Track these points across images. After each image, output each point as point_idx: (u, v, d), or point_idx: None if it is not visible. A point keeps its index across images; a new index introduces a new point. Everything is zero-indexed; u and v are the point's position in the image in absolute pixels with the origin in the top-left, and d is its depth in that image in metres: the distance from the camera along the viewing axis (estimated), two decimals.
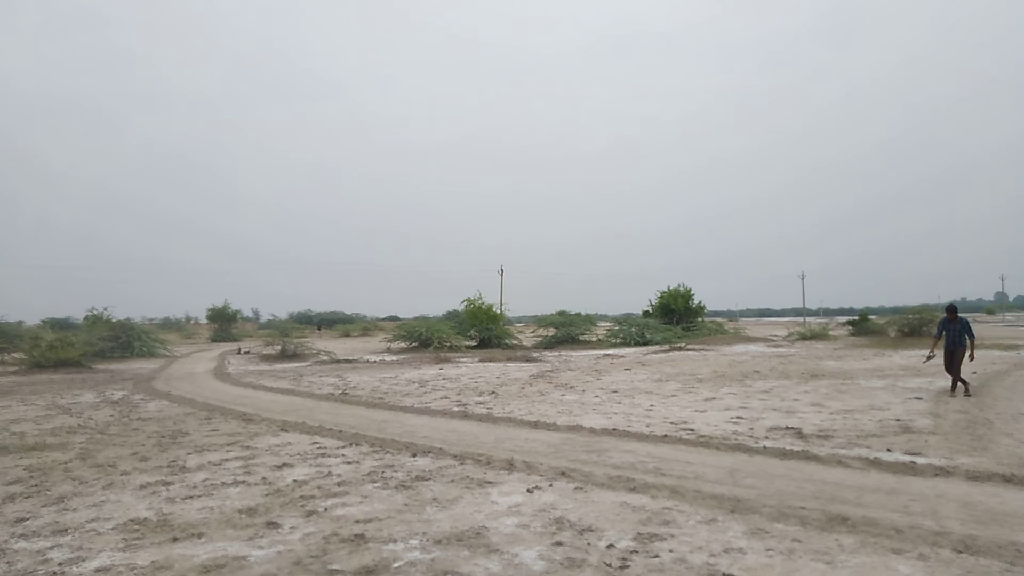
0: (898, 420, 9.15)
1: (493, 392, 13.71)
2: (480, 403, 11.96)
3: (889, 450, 7.25)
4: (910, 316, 30.20)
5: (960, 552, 4.15)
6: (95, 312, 37.49)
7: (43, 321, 47.97)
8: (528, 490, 5.83)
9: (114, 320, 34.88)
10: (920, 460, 6.72)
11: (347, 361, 24.61)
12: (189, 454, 7.78)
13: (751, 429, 8.74)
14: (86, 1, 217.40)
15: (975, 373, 15.04)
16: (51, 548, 4.57)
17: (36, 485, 6.41)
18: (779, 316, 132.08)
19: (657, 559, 4.13)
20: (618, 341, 33.18)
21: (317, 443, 8.33)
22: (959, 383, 11.48)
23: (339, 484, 6.19)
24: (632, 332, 33.67)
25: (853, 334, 34.43)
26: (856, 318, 37.20)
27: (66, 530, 4.97)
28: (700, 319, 40.50)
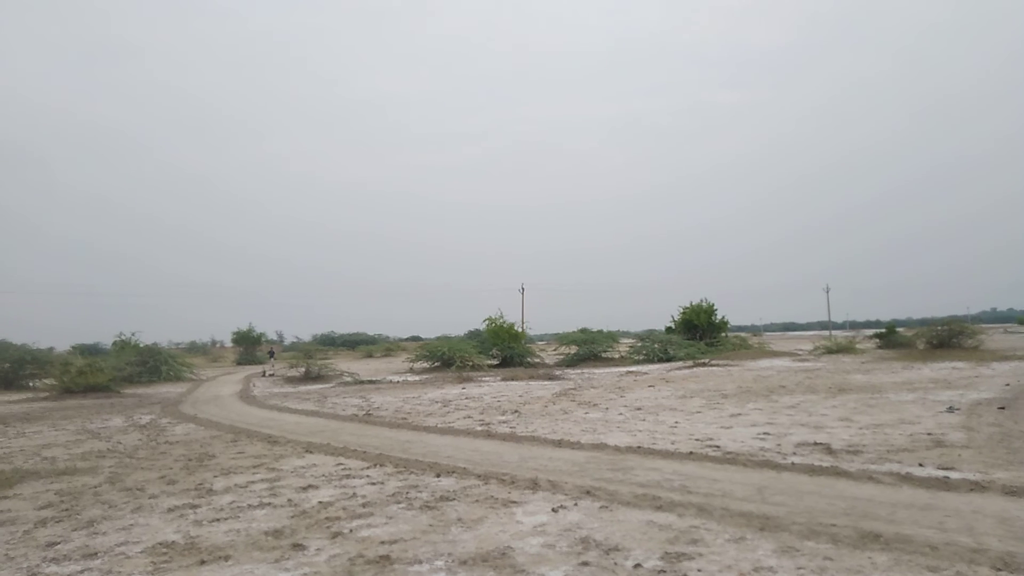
0: (930, 434, 8.95)
1: (516, 411, 13.67)
2: (503, 422, 11.93)
3: (921, 465, 7.09)
4: (939, 328, 29.57)
5: (999, 570, 4.03)
6: (123, 337, 38.26)
7: (73, 347, 49.01)
8: (553, 509, 5.79)
9: (141, 345, 35.54)
10: (954, 475, 6.56)
11: (370, 382, 24.74)
12: (216, 477, 7.85)
13: (778, 445, 8.61)
14: (120, 31, 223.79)
15: (1008, 385, 14.72)
16: (81, 572, 4.63)
17: (67, 509, 6.51)
18: (804, 330, 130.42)
19: None
20: (641, 358, 32.94)
21: (342, 464, 8.36)
22: None
23: (364, 505, 6.20)
24: (655, 348, 33.43)
25: (881, 347, 33.84)
26: (883, 331, 36.59)
27: (96, 554, 5.02)
28: (723, 334, 40.05)
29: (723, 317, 40.34)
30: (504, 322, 35.72)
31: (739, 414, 11.81)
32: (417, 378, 26.52)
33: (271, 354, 39.41)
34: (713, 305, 40.23)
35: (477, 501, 6.20)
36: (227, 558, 4.79)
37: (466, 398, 17.14)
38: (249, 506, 6.33)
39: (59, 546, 5.27)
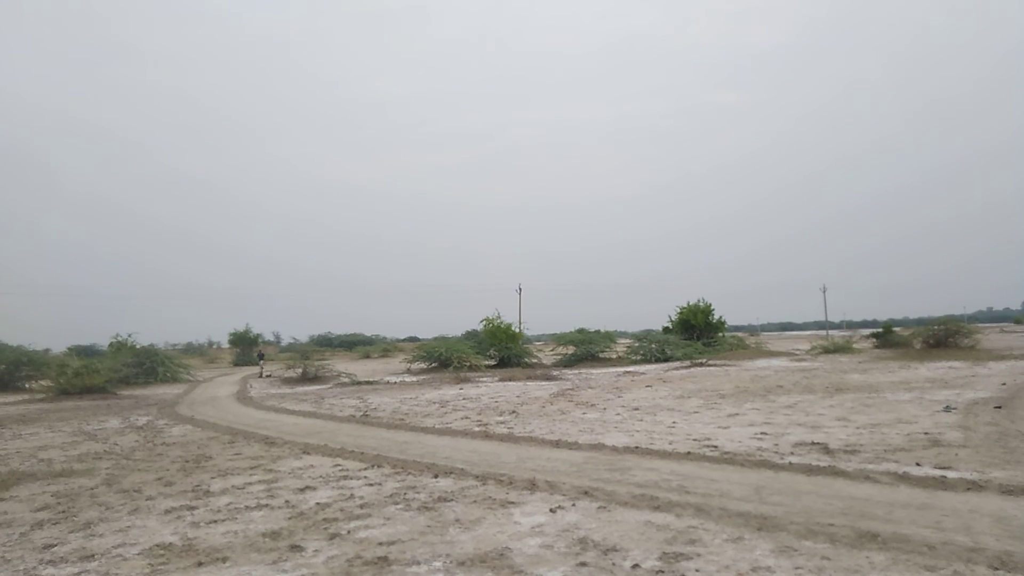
0: (927, 433, 8.97)
1: (514, 411, 13.67)
2: (501, 423, 11.93)
3: (919, 464, 7.11)
4: (935, 327, 29.67)
5: (996, 569, 4.04)
6: (119, 339, 38.16)
7: (69, 349, 48.89)
8: (551, 510, 5.79)
9: (138, 346, 35.46)
10: (951, 474, 6.57)
11: (368, 383, 24.70)
12: (213, 478, 7.83)
13: (776, 445, 8.62)
14: (120, 34, 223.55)
15: (1004, 385, 14.76)
16: (78, 574, 4.61)
17: (63, 511, 6.49)
18: (801, 330, 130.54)
19: None
20: (638, 358, 32.97)
21: (339, 465, 8.35)
22: None
23: (361, 506, 6.19)
24: (652, 348, 33.46)
25: (877, 347, 33.92)
26: (880, 330, 36.68)
27: (93, 556, 5.01)
28: (721, 334, 40.10)
29: (720, 317, 40.43)
30: (501, 322, 35.73)
31: (736, 414, 11.83)
32: (414, 379, 26.51)
33: (260, 356, 38.94)
34: (710, 305, 40.31)
35: (475, 502, 6.20)
36: (225, 560, 4.78)
37: (464, 399, 17.13)
38: (246, 507, 6.32)
39: (56, 548, 5.25)
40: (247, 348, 54.37)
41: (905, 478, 6.47)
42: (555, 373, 26.77)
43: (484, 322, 36.20)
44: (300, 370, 28.28)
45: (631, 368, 28.31)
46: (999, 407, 11.05)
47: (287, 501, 6.52)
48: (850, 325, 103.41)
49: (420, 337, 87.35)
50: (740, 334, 54.36)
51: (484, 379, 24.77)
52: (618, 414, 12.53)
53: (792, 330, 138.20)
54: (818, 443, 8.58)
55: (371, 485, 7.11)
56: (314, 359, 30.00)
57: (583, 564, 4.38)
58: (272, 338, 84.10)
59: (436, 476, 7.43)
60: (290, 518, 5.87)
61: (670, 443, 9.02)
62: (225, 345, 67.21)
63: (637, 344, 35.33)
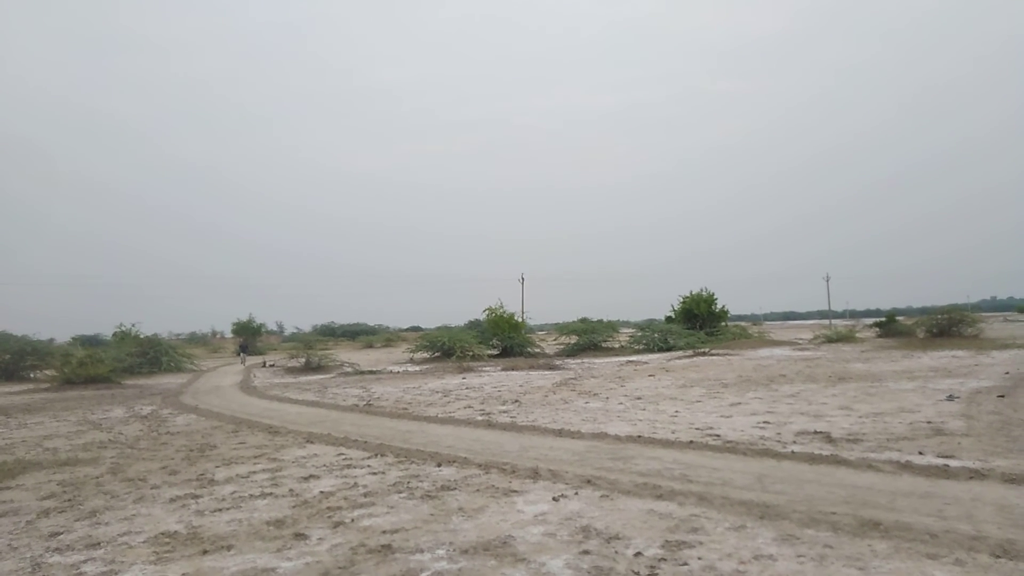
0: (929, 422, 8.97)
1: (516, 401, 13.69)
2: (504, 412, 11.95)
3: (921, 453, 7.11)
4: (939, 316, 29.63)
5: (998, 556, 4.04)
6: (123, 328, 38.31)
7: (73, 338, 49.07)
8: (554, 498, 5.80)
9: (142, 336, 35.59)
10: (953, 463, 6.57)
11: (371, 372, 24.77)
12: (217, 467, 7.86)
13: (778, 434, 8.62)
14: (128, 22, 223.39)
15: (1008, 374, 14.74)
16: (84, 562, 4.64)
17: (69, 500, 6.52)
18: (804, 319, 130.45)
19: (686, 567, 4.09)
20: (641, 347, 33.02)
21: (343, 454, 8.38)
22: None
23: (365, 495, 6.22)
24: (655, 338, 33.51)
25: (881, 336, 33.91)
26: (883, 319, 36.64)
27: (99, 544, 5.04)
28: (723, 323, 40.16)
29: (723, 306, 40.50)
30: (504, 312, 35.79)
31: (739, 403, 11.83)
32: (417, 368, 26.56)
33: (243, 348, 38.35)
34: (713, 294, 40.35)
35: (478, 490, 6.22)
36: (229, 548, 4.80)
37: (466, 388, 17.17)
38: (251, 496, 6.35)
39: (62, 536, 5.29)
40: (250, 338, 54.60)
41: (908, 467, 6.47)
42: (558, 363, 26.81)
43: (487, 311, 36.28)
44: (303, 360, 28.36)
45: (634, 357, 28.34)
46: (1002, 396, 11.04)
47: (291, 490, 6.54)
48: (853, 314, 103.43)
49: (423, 327, 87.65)
50: (743, 323, 54.32)
51: (487, 369, 24.81)
52: (621, 403, 12.55)
53: (795, 319, 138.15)
54: (821, 432, 8.59)
55: (374, 474, 7.13)
56: (317, 349, 30.09)
57: (586, 552, 4.40)
58: (275, 328, 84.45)
59: (439, 465, 7.45)
60: (294, 506, 5.90)
61: (673, 432, 9.03)
62: (228, 335, 67.48)
63: (640, 333, 35.38)
